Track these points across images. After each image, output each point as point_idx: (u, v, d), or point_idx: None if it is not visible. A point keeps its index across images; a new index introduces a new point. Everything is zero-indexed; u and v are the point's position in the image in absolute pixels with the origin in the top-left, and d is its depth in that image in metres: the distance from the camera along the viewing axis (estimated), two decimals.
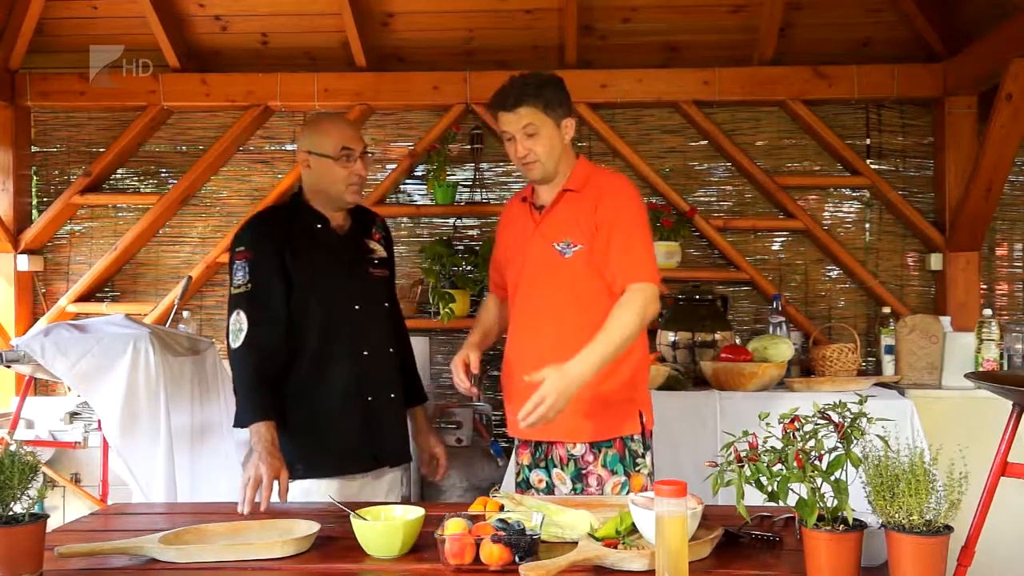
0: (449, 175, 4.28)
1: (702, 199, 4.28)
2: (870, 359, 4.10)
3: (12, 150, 4.28)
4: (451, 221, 4.38)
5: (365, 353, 2.39)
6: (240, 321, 2.28)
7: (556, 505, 1.88)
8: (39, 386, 4.22)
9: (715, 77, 4.07)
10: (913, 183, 4.22)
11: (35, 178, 4.47)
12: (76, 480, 3.87)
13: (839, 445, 1.55)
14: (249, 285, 2.30)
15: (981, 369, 3.51)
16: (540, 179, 2.41)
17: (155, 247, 4.46)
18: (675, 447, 3.09)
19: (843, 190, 4.27)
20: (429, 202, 4.34)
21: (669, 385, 3.46)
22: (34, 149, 4.46)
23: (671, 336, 3.77)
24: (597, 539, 1.73)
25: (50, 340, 3.21)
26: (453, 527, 1.72)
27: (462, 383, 2.35)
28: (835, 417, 1.58)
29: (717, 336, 3.77)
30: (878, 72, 4.02)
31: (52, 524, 1.77)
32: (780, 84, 4.07)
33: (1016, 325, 3.74)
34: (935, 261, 4.08)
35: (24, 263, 4.31)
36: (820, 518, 1.52)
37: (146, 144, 4.43)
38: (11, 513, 1.62)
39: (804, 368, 3.89)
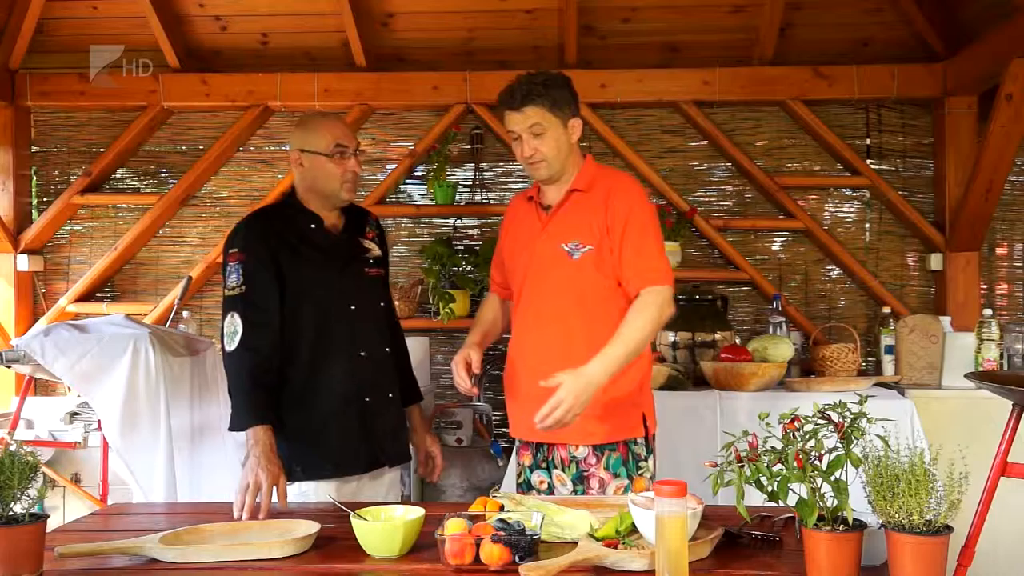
0: (449, 175, 4.28)
1: (702, 199, 4.28)
2: (870, 359, 4.10)
3: (12, 150, 4.29)
4: (451, 221, 4.38)
5: (362, 353, 2.38)
6: (235, 323, 2.26)
7: (556, 505, 1.88)
8: (39, 386, 4.21)
9: (715, 77, 4.07)
10: (913, 183, 4.22)
11: (35, 178, 4.47)
12: (76, 480, 3.87)
13: (839, 445, 1.54)
14: (243, 287, 2.27)
15: (981, 369, 3.51)
16: (546, 179, 2.39)
17: (155, 247, 4.46)
18: (675, 447, 3.09)
19: (843, 190, 4.27)
20: (429, 202, 4.34)
21: (669, 385, 3.46)
22: (34, 149, 4.46)
23: (671, 336, 3.77)
24: (597, 539, 1.73)
25: (50, 340, 3.21)
26: (453, 527, 1.72)
27: (463, 383, 2.33)
28: (835, 417, 1.58)
29: (717, 336, 3.77)
30: (878, 72, 4.02)
31: (52, 524, 1.77)
32: (780, 84, 4.07)
33: (1016, 325, 3.74)
34: (935, 261, 4.08)
35: (24, 263, 4.31)
36: (820, 518, 1.52)
37: (146, 144, 4.43)
38: (11, 513, 1.62)
39: (804, 368, 3.89)
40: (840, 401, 1.60)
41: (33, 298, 4.42)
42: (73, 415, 3.81)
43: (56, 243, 4.47)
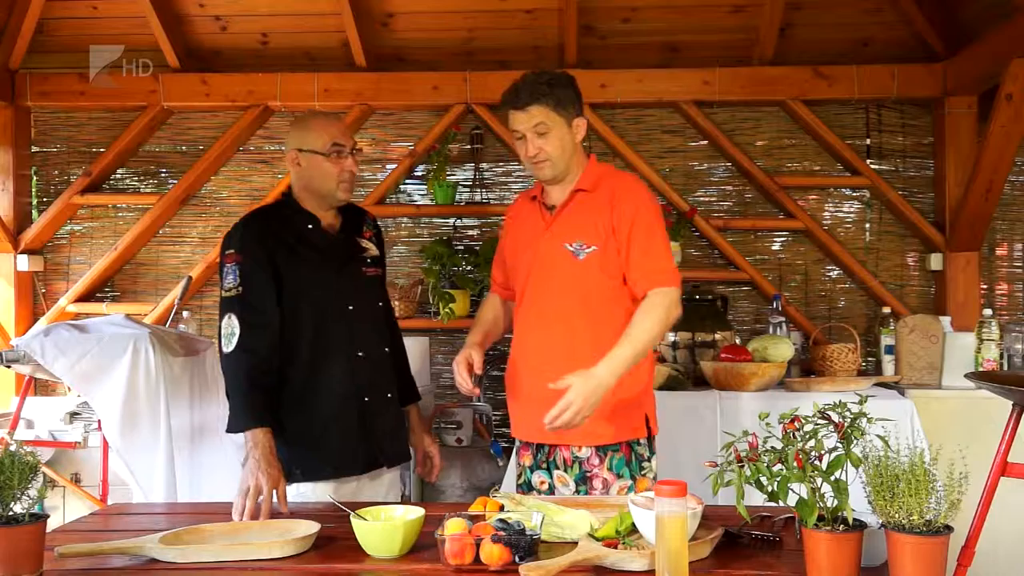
0: (449, 175, 4.28)
1: (702, 199, 4.28)
2: (870, 359, 4.10)
3: (12, 150, 4.29)
4: (451, 221, 4.38)
5: (360, 354, 2.37)
6: (232, 325, 2.25)
7: (556, 505, 1.88)
8: (39, 386, 4.21)
9: (715, 77, 4.07)
10: (913, 183, 4.22)
11: (35, 178, 4.47)
12: (76, 480, 3.87)
13: (839, 445, 1.55)
14: (240, 288, 2.26)
15: (981, 369, 3.51)
16: (550, 179, 2.38)
17: (155, 247, 4.46)
18: (675, 447, 3.09)
19: (843, 190, 4.27)
20: (429, 202, 4.34)
21: (669, 385, 3.46)
22: (34, 149, 4.46)
23: (671, 336, 3.77)
24: (597, 539, 1.73)
25: (50, 340, 3.21)
26: (453, 527, 1.72)
27: (465, 383, 2.32)
28: (835, 417, 1.58)
29: (717, 336, 3.77)
30: (878, 72, 4.02)
31: (52, 524, 1.77)
32: (780, 84, 4.07)
33: (1016, 325, 3.74)
34: (935, 261, 4.08)
35: (24, 263, 4.31)
36: (820, 518, 1.52)
37: (146, 144, 4.43)
38: (11, 513, 1.62)
39: (804, 368, 3.89)
40: (840, 401, 1.60)
41: (33, 298, 4.42)
42: (73, 415, 3.81)
43: (56, 243, 4.47)
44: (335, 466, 2.32)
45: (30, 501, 1.65)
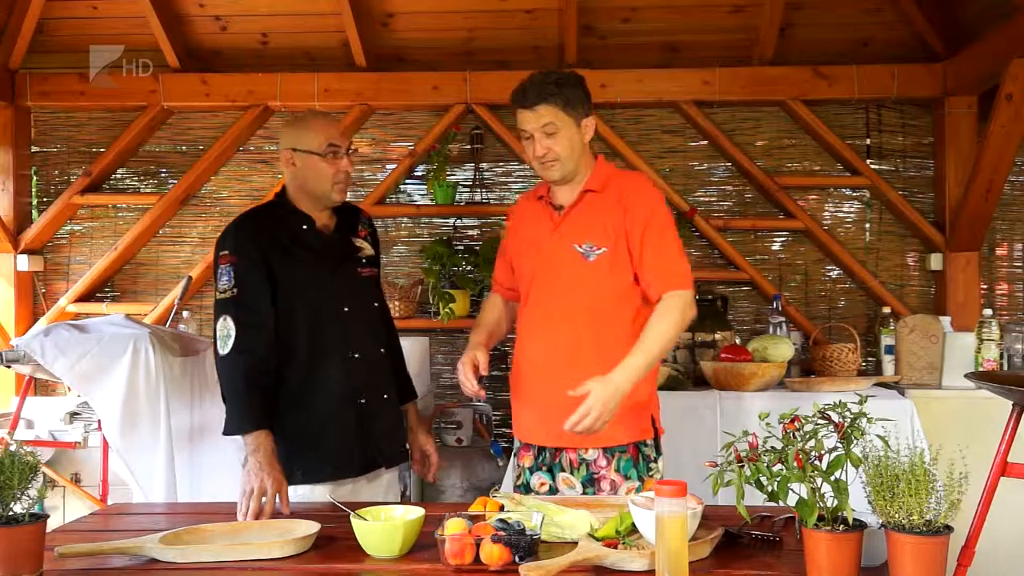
0: (449, 175, 4.28)
1: (702, 199, 4.28)
2: (870, 359, 4.10)
3: (12, 150, 4.28)
4: (451, 221, 4.38)
5: (356, 355, 2.35)
6: (227, 327, 2.23)
7: (556, 505, 1.88)
8: (39, 386, 4.21)
9: (715, 77, 4.07)
10: (913, 183, 4.22)
11: (35, 178, 4.47)
12: (76, 480, 3.87)
13: (839, 445, 1.55)
14: (235, 290, 2.24)
15: (981, 369, 3.51)
16: (558, 179, 2.35)
17: (155, 247, 4.46)
18: (675, 447, 3.09)
19: (843, 190, 4.27)
20: (429, 202, 4.34)
21: (669, 385, 3.46)
22: (34, 149, 4.46)
23: None
24: (597, 539, 1.73)
25: (50, 340, 3.21)
26: (453, 527, 1.72)
27: (471, 385, 2.30)
28: (835, 417, 1.58)
29: (717, 336, 3.77)
30: (878, 72, 4.02)
31: (52, 524, 1.77)
32: (780, 84, 4.07)
33: (1016, 325, 3.74)
34: (935, 261, 4.08)
35: (24, 263, 4.31)
36: (820, 518, 1.52)
37: (146, 144, 4.43)
38: (11, 513, 1.62)
39: (804, 368, 3.89)
40: (840, 401, 1.60)
41: (33, 298, 4.42)
42: (73, 415, 3.81)
43: (56, 243, 4.47)
44: (333, 467, 2.31)
45: (30, 501, 1.65)
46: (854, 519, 1.50)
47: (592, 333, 2.29)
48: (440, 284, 4.06)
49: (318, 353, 2.31)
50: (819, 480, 1.52)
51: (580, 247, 2.31)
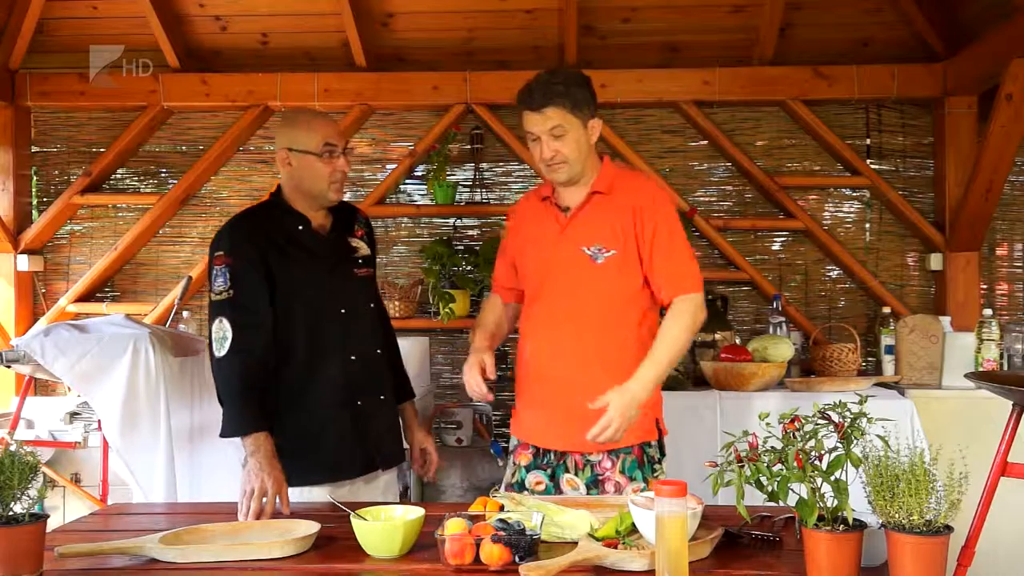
0: (449, 175, 4.28)
1: (702, 199, 4.28)
2: (870, 359, 4.10)
3: (12, 150, 4.28)
4: (451, 221, 4.38)
5: (353, 357, 2.34)
6: (224, 328, 2.21)
7: (556, 505, 1.88)
8: (39, 386, 4.21)
9: (715, 77, 4.07)
10: (913, 183, 4.22)
11: (35, 178, 4.47)
12: (76, 480, 3.87)
13: (839, 445, 1.55)
14: (231, 291, 2.22)
15: (981, 369, 3.51)
16: (565, 181, 2.34)
17: (155, 247, 4.46)
18: (675, 447, 3.09)
19: (843, 190, 4.27)
20: (429, 202, 4.34)
21: (669, 385, 3.44)
22: (34, 149, 4.46)
23: None
24: (597, 539, 1.73)
25: (50, 340, 3.21)
26: (453, 527, 1.72)
27: (479, 389, 2.28)
28: (835, 417, 1.58)
29: (717, 336, 3.77)
30: (878, 72, 4.01)
31: (52, 524, 1.77)
32: (780, 84, 4.07)
33: (1016, 325, 3.74)
34: (935, 261, 4.08)
35: (24, 263, 4.31)
36: (820, 518, 1.52)
37: (146, 144, 4.43)
38: (11, 513, 1.62)
39: (804, 368, 3.89)
40: (840, 401, 1.60)
41: (33, 298, 4.42)
42: (73, 415, 3.81)
43: (56, 243, 4.47)
44: (332, 469, 2.31)
45: (30, 501, 1.65)
46: (854, 519, 1.50)
47: (598, 336, 2.29)
48: (440, 284, 4.06)
49: (317, 353, 2.29)
50: (819, 480, 1.52)
51: (588, 249, 2.30)
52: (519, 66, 4.08)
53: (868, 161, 4.18)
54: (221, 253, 2.27)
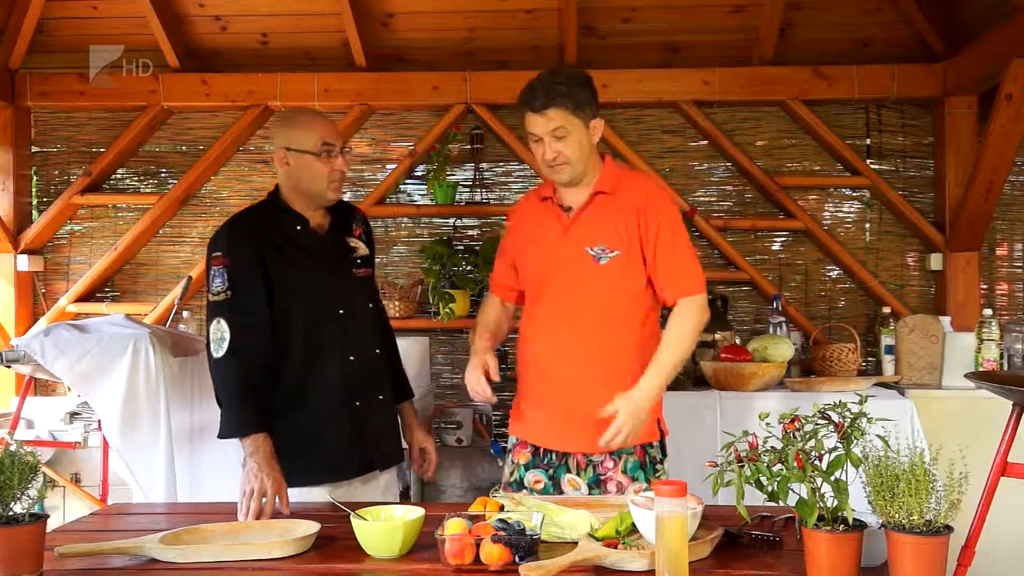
0: (449, 175, 4.28)
1: (702, 199, 4.28)
2: (870, 359, 4.10)
3: (12, 150, 4.28)
4: (451, 221, 4.38)
5: (351, 357, 2.33)
6: (221, 329, 2.20)
7: (556, 505, 1.88)
8: (39, 386, 4.21)
9: (715, 77, 4.07)
10: (913, 183, 4.22)
11: (35, 178, 4.47)
12: (76, 480, 3.87)
13: (839, 445, 1.55)
14: (229, 292, 2.21)
15: (981, 369, 3.51)
16: (567, 182, 2.33)
17: (155, 247, 4.46)
18: (675, 447, 3.09)
19: (843, 190, 4.27)
20: (429, 202, 4.34)
21: (669, 385, 3.43)
22: (34, 149, 4.46)
23: None
24: (597, 539, 1.73)
25: (50, 340, 3.21)
26: (453, 527, 1.72)
27: (483, 391, 2.27)
28: (835, 417, 1.58)
29: (717, 336, 3.77)
30: (878, 72, 4.01)
31: (52, 524, 1.77)
32: (780, 84, 4.07)
33: (1016, 325, 3.74)
34: (935, 261, 4.08)
35: (24, 263, 4.31)
36: (820, 518, 1.52)
37: (146, 144, 4.43)
38: (11, 513, 1.62)
39: (804, 368, 3.89)
40: (840, 401, 1.60)
41: (33, 298, 4.42)
42: (73, 415, 3.81)
43: (56, 243, 4.47)
44: (330, 469, 2.30)
45: (30, 501, 1.65)
46: (854, 519, 1.50)
47: (600, 337, 2.29)
48: (440, 284, 4.06)
49: (316, 353, 2.29)
50: (819, 480, 1.52)
51: (591, 250, 2.29)
52: (519, 66, 4.08)
53: (868, 161, 4.18)
54: (219, 254, 2.26)
